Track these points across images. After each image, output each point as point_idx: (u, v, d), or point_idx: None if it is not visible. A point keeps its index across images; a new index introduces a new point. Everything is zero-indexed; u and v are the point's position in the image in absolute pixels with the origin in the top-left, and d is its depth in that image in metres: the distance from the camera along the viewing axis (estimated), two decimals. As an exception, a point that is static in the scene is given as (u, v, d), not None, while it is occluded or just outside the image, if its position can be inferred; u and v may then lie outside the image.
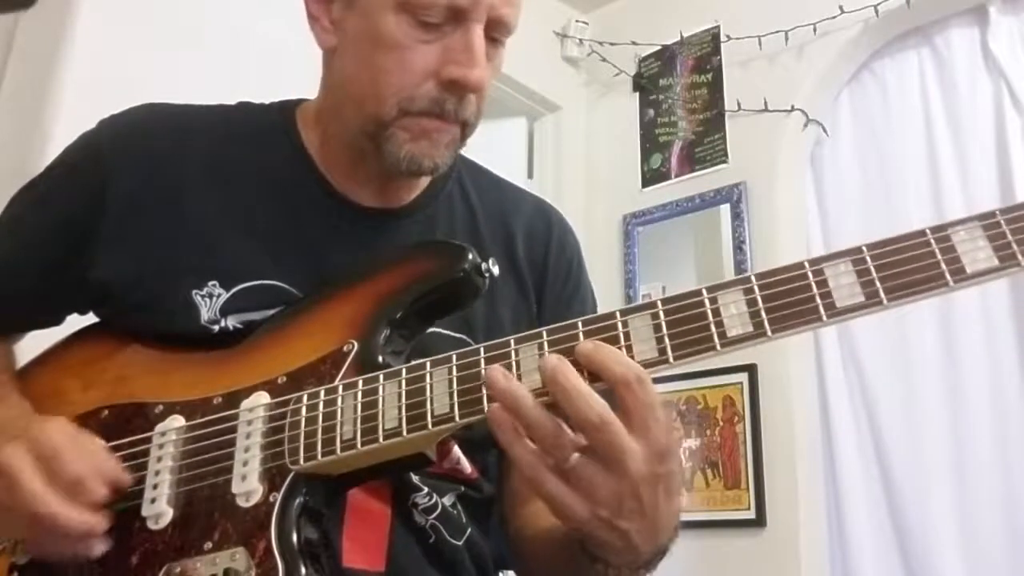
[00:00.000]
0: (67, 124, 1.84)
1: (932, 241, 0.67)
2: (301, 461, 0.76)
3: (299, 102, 1.02)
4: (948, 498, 2.49)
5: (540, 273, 1.03)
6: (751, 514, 2.60)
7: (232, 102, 1.04)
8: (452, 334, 0.92)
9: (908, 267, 0.67)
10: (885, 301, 0.67)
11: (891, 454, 2.61)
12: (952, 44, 2.78)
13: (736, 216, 2.88)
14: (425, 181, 1.00)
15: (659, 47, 3.24)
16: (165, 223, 0.91)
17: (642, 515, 0.68)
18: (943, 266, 0.66)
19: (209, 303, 0.88)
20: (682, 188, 3.05)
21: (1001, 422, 2.48)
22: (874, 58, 2.92)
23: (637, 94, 3.29)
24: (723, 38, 3.07)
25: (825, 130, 2.92)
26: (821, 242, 2.88)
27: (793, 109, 2.86)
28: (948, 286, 0.66)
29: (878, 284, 0.67)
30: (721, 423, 2.73)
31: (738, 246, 2.84)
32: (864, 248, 0.68)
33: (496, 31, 0.89)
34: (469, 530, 0.93)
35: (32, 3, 0.90)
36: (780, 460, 2.61)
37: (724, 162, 2.97)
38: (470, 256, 0.81)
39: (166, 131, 0.96)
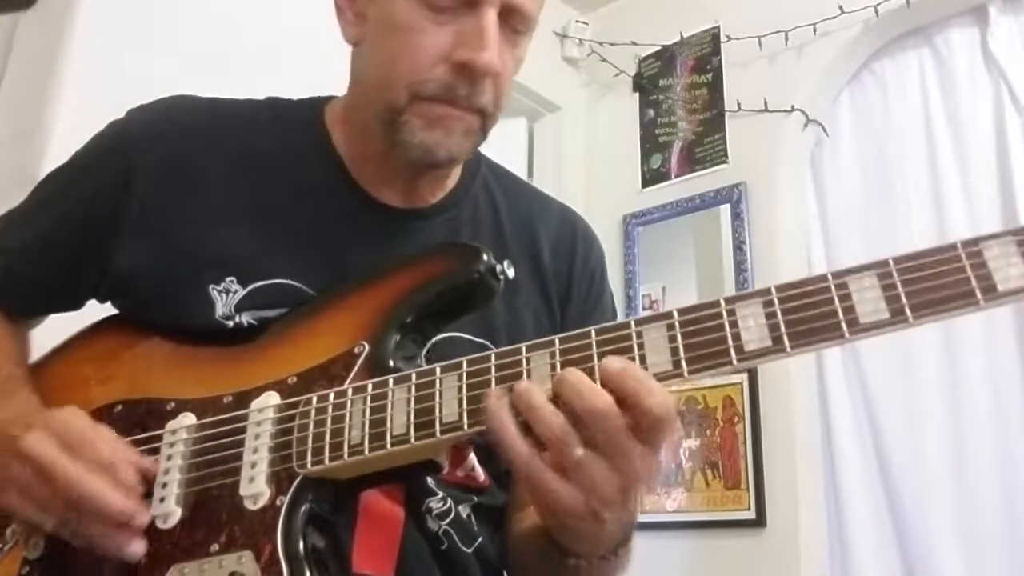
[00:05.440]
0: (67, 124, 1.84)
1: (963, 256, 0.62)
2: (308, 465, 0.75)
3: (328, 99, 1.01)
4: (948, 498, 2.49)
5: (565, 283, 1.01)
6: (751, 514, 2.60)
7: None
8: (474, 339, 0.91)
9: (936, 283, 0.63)
10: (911, 319, 0.63)
11: (891, 454, 2.60)
12: (952, 44, 2.78)
13: (736, 216, 2.87)
14: (452, 181, 0.99)
15: (659, 47, 3.24)
16: (188, 216, 0.91)
17: (624, 508, 0.70)
18: (973, 283, 0.62)
19: (225, 299, 0.88)
20: (682, 188, 3.04)
21: (1001, 422, 2.47)
22: (874, 58, 2.91)
23: (637, 94, 3.28)
24: (723, 38, 3.07)
25: (825, 130, 2.92)
26: (821, 242, 2.88)
27: (793, 109, 2.85)
28: (978, 305, 0.61)
29: (904, 300, 0.63)
30: (721, 423, 2.72)
31: (738, 246, 2.83)
32: (891, 261, 0.64)
33: (514, 19, 0.88)
34: (480, 539, 0.93)
35: (32, 3, 0.90)
36: (780, 460, 2.60)
37: (724, 162, 2.96)
38: (485, 257, 0.80)
39: (193, 123, 0.96)
